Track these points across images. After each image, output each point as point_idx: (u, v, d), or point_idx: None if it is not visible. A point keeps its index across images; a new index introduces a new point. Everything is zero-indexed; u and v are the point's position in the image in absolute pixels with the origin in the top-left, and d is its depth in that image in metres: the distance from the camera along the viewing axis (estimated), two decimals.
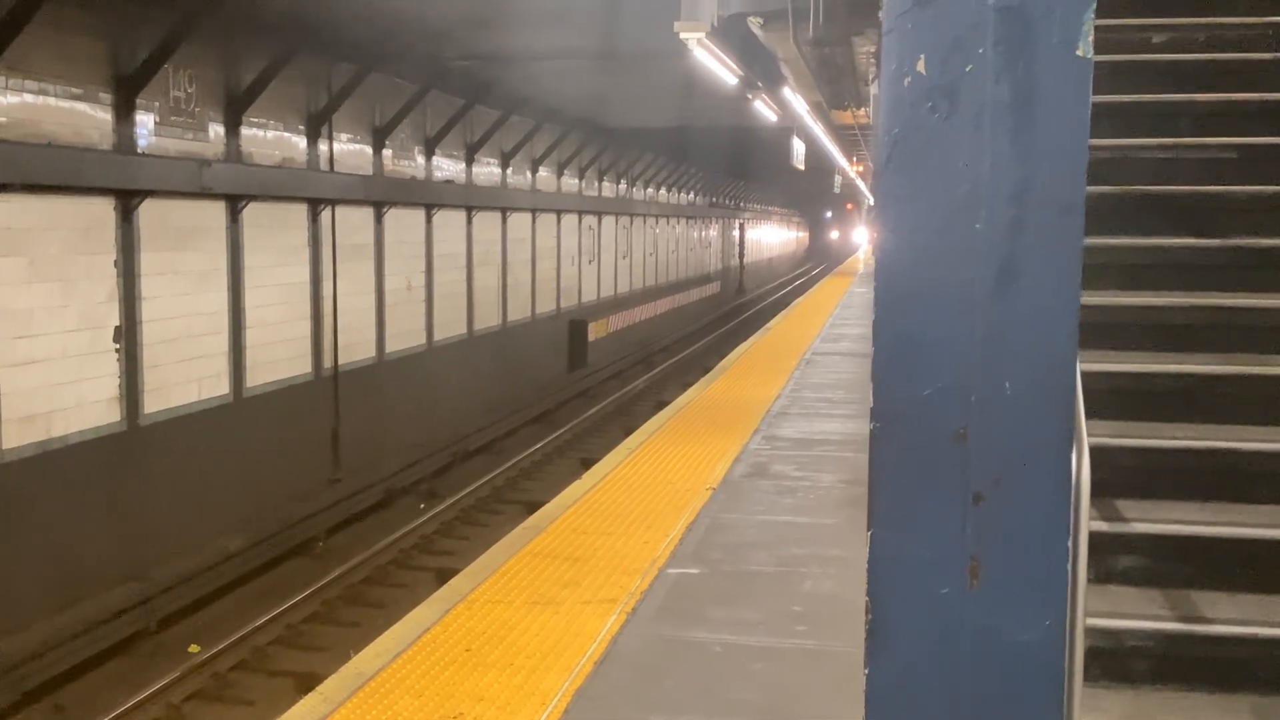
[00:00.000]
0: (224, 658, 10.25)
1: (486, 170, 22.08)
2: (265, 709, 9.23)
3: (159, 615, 11.05)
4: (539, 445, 18.97)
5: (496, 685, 4.56)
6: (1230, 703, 3.91)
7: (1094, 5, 2.00)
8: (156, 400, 12.19)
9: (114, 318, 11.47)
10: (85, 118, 11.17)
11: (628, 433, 11.91)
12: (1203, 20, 6.60)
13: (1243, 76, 6.14)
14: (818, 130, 20.64)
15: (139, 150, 11.86)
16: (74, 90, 11.01)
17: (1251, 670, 3.97)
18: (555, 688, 4.54)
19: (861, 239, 63.73)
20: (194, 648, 10.52)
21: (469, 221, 21.03)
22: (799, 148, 23.80)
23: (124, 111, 11.64)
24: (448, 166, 20.15)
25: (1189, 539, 4.24)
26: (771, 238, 67.97)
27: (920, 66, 2.02)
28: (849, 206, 71.14)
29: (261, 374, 14.21)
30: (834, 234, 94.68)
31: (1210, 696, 3.94)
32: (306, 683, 9.16)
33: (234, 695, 9.89)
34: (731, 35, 10.73)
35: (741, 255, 54.98)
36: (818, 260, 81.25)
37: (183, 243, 12.56)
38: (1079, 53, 1.97)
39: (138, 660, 10.41)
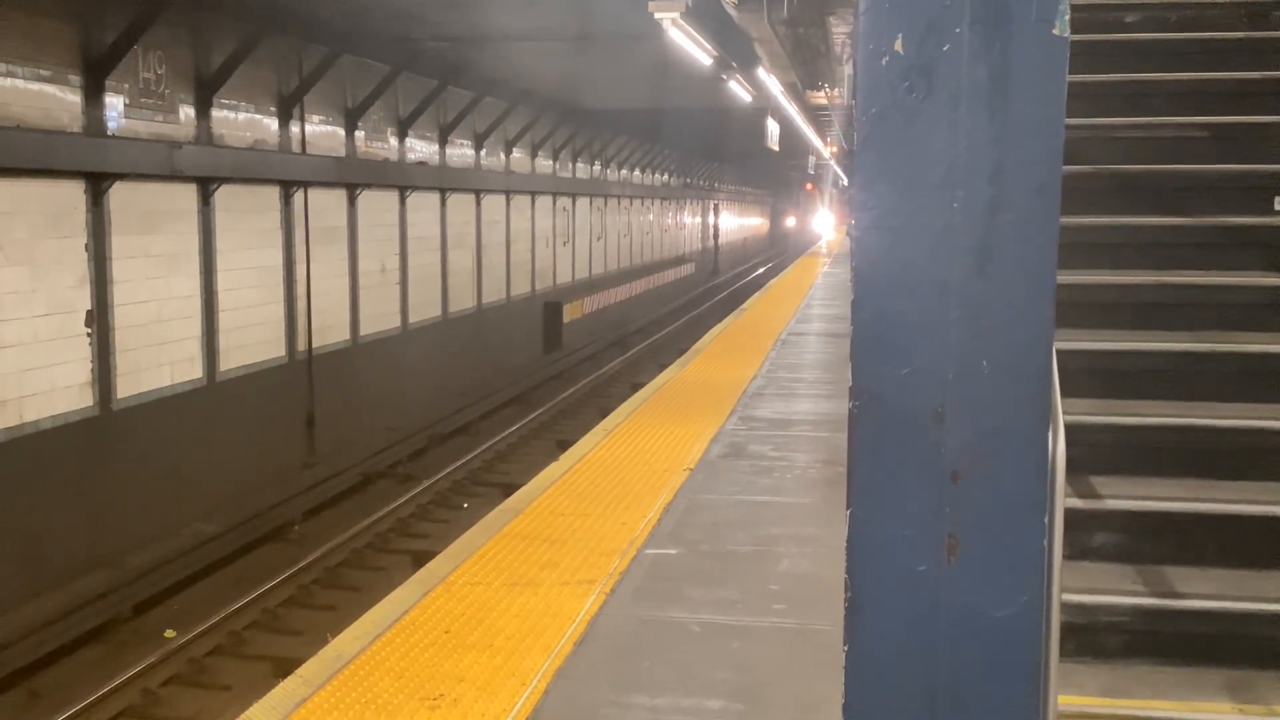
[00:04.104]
0: (200, 643, 10.21)
1: (460, 152, 21.98)
2: (243, 693, 9.20)
3: (134, 601, 11.00)
4: (515, 427, 18.93)
5: (476, 666, 4.56)
6: (1203, 676, 3.96)
7: None
8: (129, 385, 12.11)
9: (85, 302, 11.38)
10: (54, 100, 11.06)
11: (604, 414, 11.90)
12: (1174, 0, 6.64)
13: (1214, 55, 6.18)
14: (792, 111, 20.65)
15: (109, 133, 11.75)
16: (43, 72, 10.89)
17: (1224, 645, 4.02)
18: (535, 668, 4.55)
19: (825, 226, 54.32)
20: (170, 633, 10.47)
21: (443, 203, 20.95)
22: (774, 128, 23.77)
23: (93, 94, 11.52)
24: (421, 148, 20.05)
25: (1163, 515, 4.28)
26: (745, 220, 67.46)
27: (898, 46, 2.01)
28: (809, 187, 60.92)
29: (235, 358, 14.14)
30: (790, 220, 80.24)
31: (1183, 670, 3.99)
32: (284, 667, 9.12)
33: (211, 680, 9.86)
34: (706, 15, 10.73)
35: (716, 236, 54.96)
36: (782, 246, 78.31)
37: (154, 226, 12.46)
38: (1056, 31, 1.97)
39: (113, 646, 10.36)
